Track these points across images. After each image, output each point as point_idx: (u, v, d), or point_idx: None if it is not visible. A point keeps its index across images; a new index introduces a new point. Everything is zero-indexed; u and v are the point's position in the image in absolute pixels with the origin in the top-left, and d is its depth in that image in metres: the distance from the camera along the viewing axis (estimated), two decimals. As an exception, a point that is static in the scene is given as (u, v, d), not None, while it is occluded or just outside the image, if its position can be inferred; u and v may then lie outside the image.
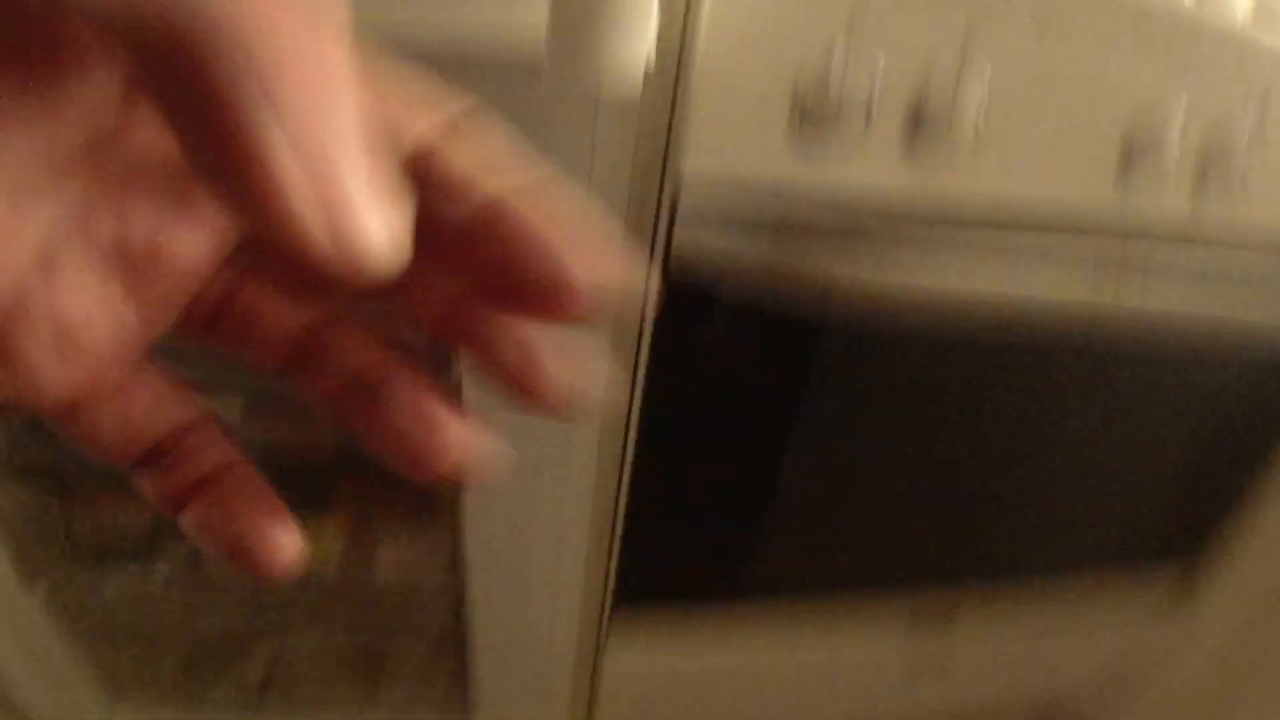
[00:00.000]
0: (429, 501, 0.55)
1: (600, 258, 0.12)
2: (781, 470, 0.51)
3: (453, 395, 0.14)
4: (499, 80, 0.30)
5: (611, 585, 0.56)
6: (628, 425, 0.47)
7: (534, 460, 0.48)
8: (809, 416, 0.48)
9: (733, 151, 0.37)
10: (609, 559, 0.54)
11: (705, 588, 0.58)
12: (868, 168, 0.38)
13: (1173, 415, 0.56)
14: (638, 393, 0.46)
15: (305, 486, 0.55)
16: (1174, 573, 0.69)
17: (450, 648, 0.62)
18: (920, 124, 0.38)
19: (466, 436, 0.14)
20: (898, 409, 0.50)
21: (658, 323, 0.43)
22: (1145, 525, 0.65)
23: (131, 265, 0.12)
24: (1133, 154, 0.40)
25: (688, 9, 0.34)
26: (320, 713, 0.67)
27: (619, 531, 0.53)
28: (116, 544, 0.53)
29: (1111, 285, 0.44)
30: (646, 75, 0.32)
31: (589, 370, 0.14)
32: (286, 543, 0.14)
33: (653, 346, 0.44)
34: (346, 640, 0.63)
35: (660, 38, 0.32)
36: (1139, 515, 0.64)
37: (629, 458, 0.49)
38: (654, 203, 0.39)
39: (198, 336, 0.15)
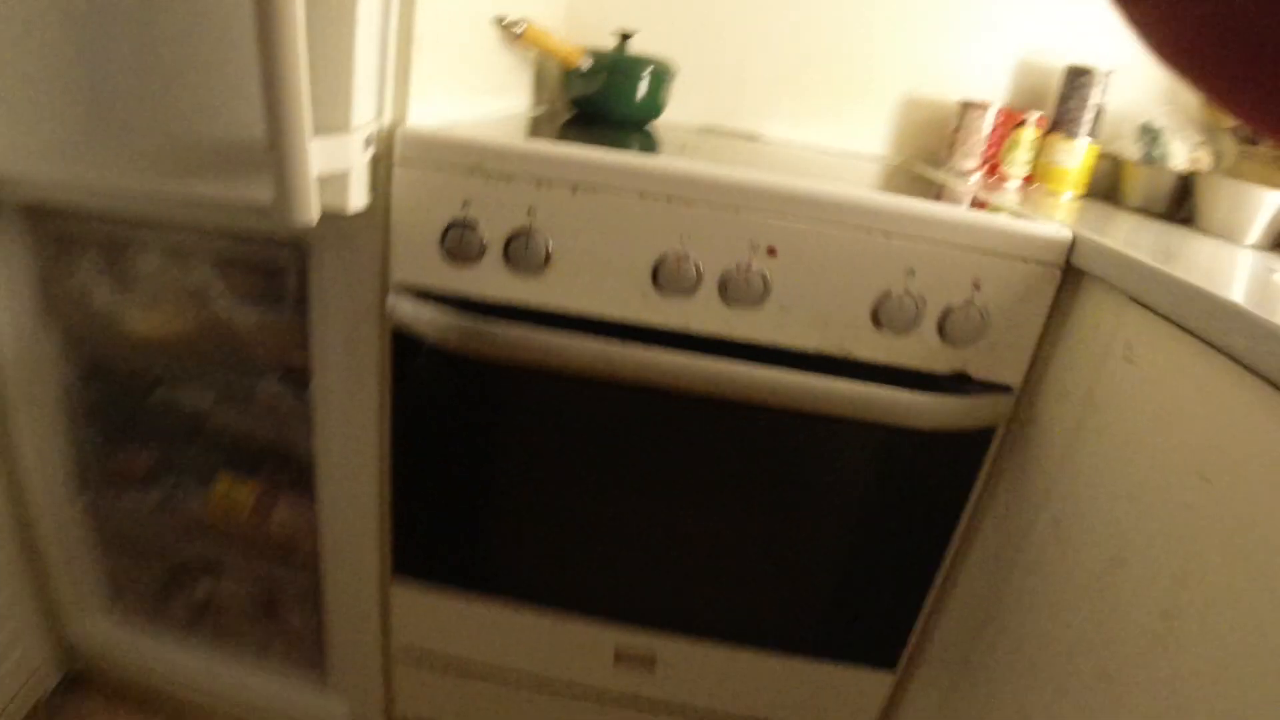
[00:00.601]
0: (310, 485, 0.86)
1: None
2: (487, 485, 0.75)
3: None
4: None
5: (388, 558, 0.81)
6: (385, 443, 0.76)
7: (343, 459, 0.77)
8: (491, 441, 0.73)
9: (416, 269, 0.68)
10: (384, 537, 0.80)
11: (458, 573, 0.81)
12: (487, 282, 0.67)
13: (837, 487, 0.72)
14: (387, 414, 0.74)
15: (244, 457, 0.89)
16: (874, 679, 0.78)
17: (312, 600, 0.90)
18: (513, 257, 0.66)
19: None
20: (559, 448, 0.73)
21: (393, 364, 0.72)
22: (836, 616, 0.77)
23: None
24: (661, 274, 0.64)
25: (388, 180, 0.66)
26: (230, 641, 0.96)
27: (389, 515, 0.79)
28: (130, 475, 0.90)
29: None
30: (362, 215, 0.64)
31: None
32: None
33: (393, 380, 0.73)
34: (254, 583, 0.93)
35: (374, 190, 0.65)
36: (826, 604, 0.77)
37: (389, 464, 0.77)
38: (380, 287, 0.70)
39: None
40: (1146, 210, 0.97)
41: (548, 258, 0.65)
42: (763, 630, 0.79)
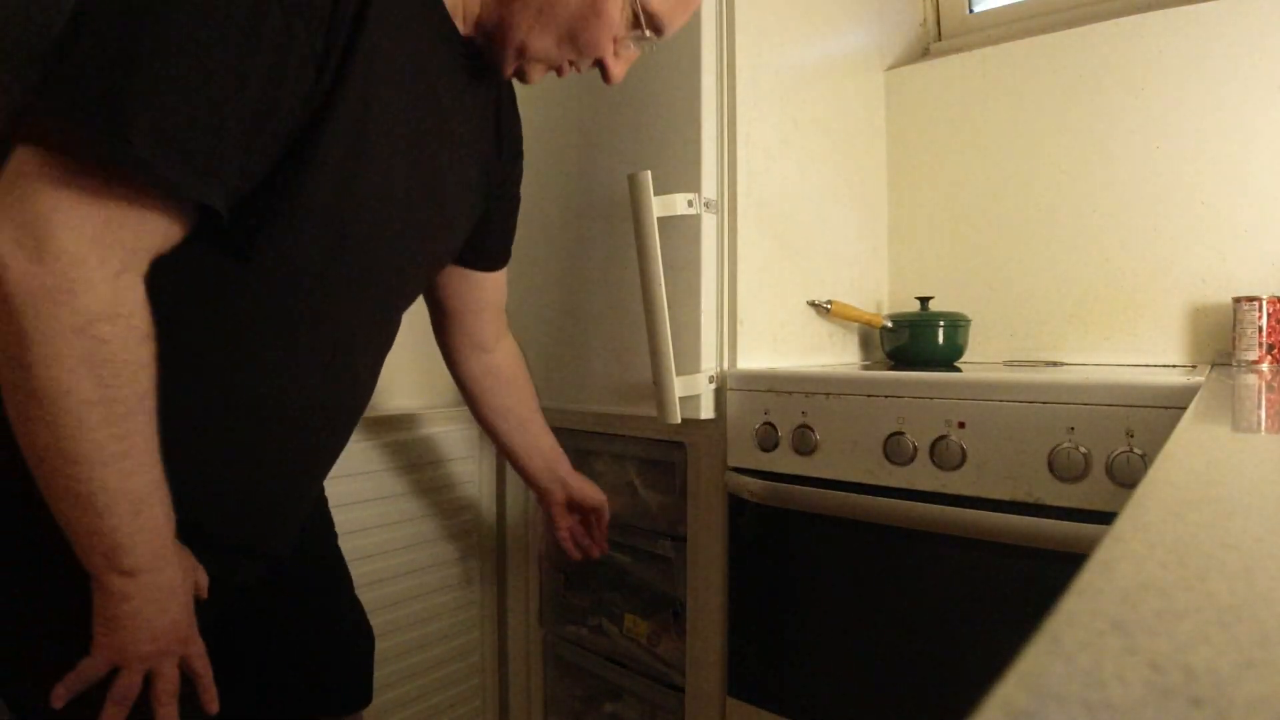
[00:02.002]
0: (684, 623, 1.23)
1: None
2: (785, 616, 1.03)
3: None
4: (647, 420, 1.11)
5: (724, 681, 1.11)
6: (725, 584, 1.11)
7: (702, 599, 1.14)
8: (790, 578, 1.03)
9: (741, 455, 1.07)
10: (723, 664, 1.11)
11: (771, 695, 1.06)
12: (781, 461, 1.02)
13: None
14: (726, 562, 1.10)
15: (644, 602, 1.31)
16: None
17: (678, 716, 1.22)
18: (796, 444, 1.01)
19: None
20: (838, 582, 0.99)
21: (729, 521, 1.09)
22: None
23: None
24: (888, 448, 0.92)
25: (724, 400, 1.09)
26: None
27: (726, 645, 1.10)
28: (575, 611, 1.38)
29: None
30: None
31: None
32: None
33: (728, 534, 1.09)
34: (641, 704, 1.29)
35: (717, 408, 1.08)
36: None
37: (726, 600, 1.10)
38: (721, 469, 1.10)
39: None
40: None
41: (817, 443, 0.99)
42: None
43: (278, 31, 0.52)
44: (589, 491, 1.11)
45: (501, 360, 1.01)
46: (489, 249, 0.93)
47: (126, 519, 0.52)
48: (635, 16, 0.69)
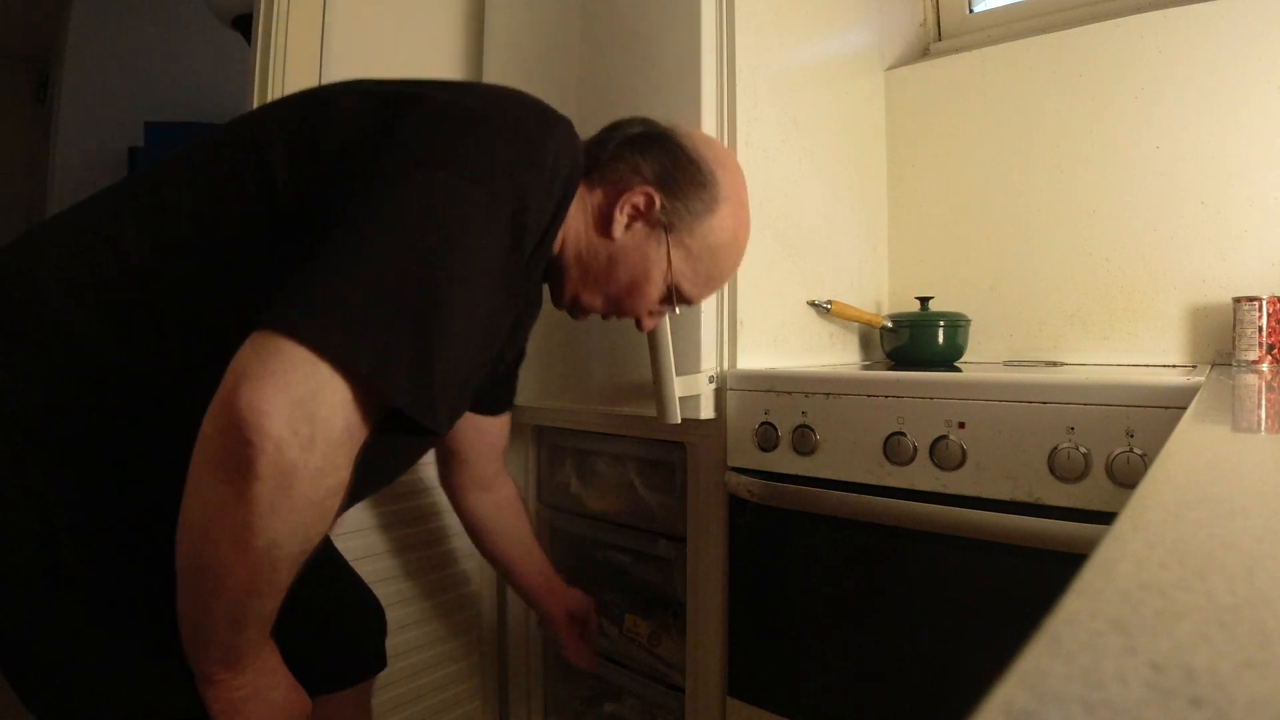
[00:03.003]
0: (684, 624, 1.22)
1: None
2: (786, 614, 1.03)
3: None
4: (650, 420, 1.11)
5: (725, 682, 1.11)
6: (724, 584, 1.11)
7: (702, 599, 1.14)
8: (790, 578, 1.02)
9: (741, 455, 1.07)
10: (723, 663, 1.11)
11: (766, 694, 1.06)
12: (781, 462, 1.02)
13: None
14: (725, 561, 1.10)
15: (643, 602, 1.30)
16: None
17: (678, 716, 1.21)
18: (796, 444, 1.01)
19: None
20: (834, 581, 0.98)
21: (728, 520, 1.09)
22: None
23: None
24: (888, 448, 0.92)
25: (724, 400, 1.09)
26: None
27: (725, 645, 1.10)
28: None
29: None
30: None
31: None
32: None
33: (728, 533, 1.09)
34: (641, 705, 1.29)
35: (717, 407, 1.08)
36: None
37: (725, 600, 1.10)
38: (721, 469, 1.10)
39: None
40: None
41: (817, 443, 0.99)
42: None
43: (518, 281, 0.66)
44: (580, 600, 1.22)
45: (502, 497, 1.12)
46: (498, 396, 1.03)
47: (256, 631, 0.57)
48: (669, 296, 0.83)
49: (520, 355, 1.02)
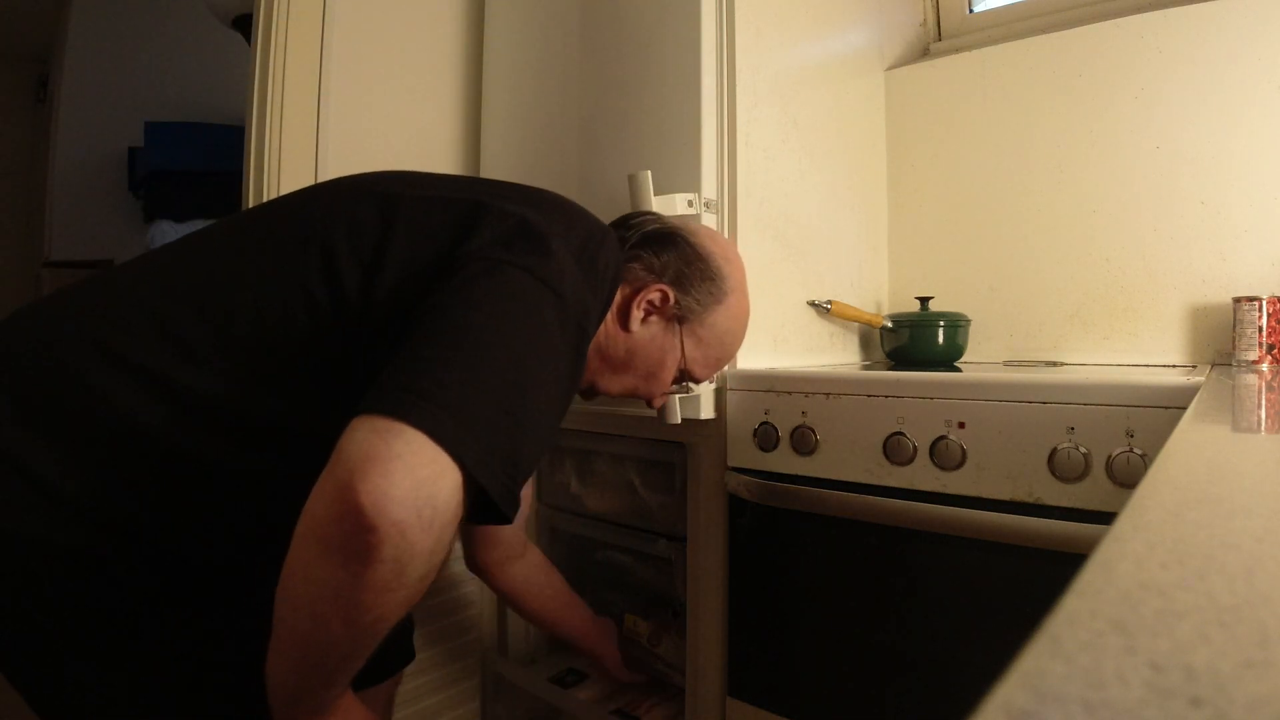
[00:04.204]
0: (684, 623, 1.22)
1: None
2: (786, 614, 1.03)
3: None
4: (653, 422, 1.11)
5: (725, 682, 1.10)
6: (725, 584, 1.10)
7: (703, 598, 1.14)
8: (790, 577, 1.02)
9: (741, 455, 1.07)
10: (723, 663, 1.11)
11: (765, 694, 1.06)
12: (781, 462, 1.02)
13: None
14: (726, 561, 1.10)
15: (643, 602, 1.30)
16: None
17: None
18: (795, 444, 1.01)
19: None
20: (836, 582, 0.98)
21: (729, 520, 1.09)
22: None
23: None
24: (888, 448, 0.92)
25: (725, 400, 1.09)
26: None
27: (725, 645, 1.10)
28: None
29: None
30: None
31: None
32: None
33: (728, 533, 1.09)
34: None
35: (717, 407, 1.08)
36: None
37: (726, 599, 1.10)
38: (721, 469, 1.09)
39: None
40: None
41: (816, 443, 0.99)
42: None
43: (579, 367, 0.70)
44: (614, 628, 1.26)
45: (534, 562, 1.16)
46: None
47: (345, 685, 0.61)
48: (681, 378, 0.91)
49: None
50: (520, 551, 1.14)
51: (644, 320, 0.85)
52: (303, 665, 0.56)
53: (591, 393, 0.90)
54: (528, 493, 1.12)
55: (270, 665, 0.57)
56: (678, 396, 1.01)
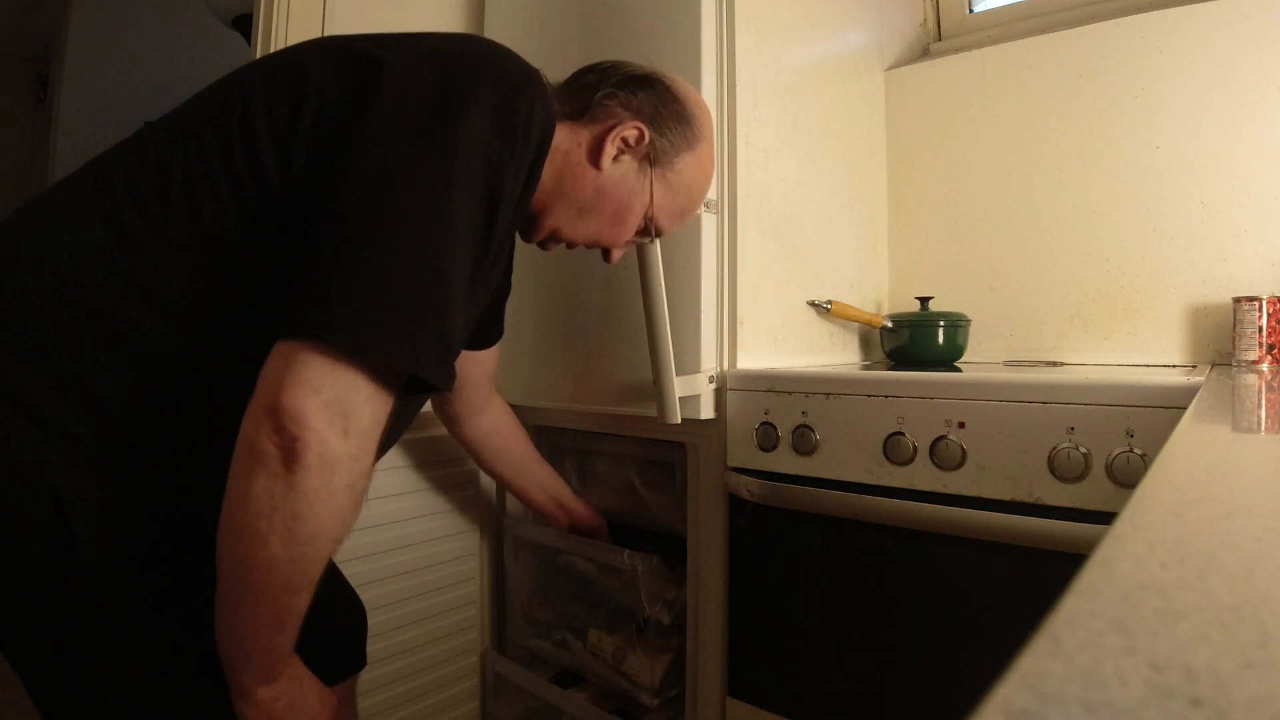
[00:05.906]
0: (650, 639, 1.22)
1: None
2: (785, 614, 1.03)
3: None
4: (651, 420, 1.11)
5: (725, 682, 1.10)
6: (725, 587, 1.10)
7: (704, 599, 1.14)
8: (789, 578, 1.02)
9: (741, 455, 1.07)
10: (724, 664, 1.11)
11: (765, 694, 1.06)
12: (781, 461, 1.02)
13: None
14: (726, 562, 1.10)
15: (607, 617, 1.30)
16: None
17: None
18: (796, 444, 1.01)
19: None
20: (835, 582, 0.98)
21: (728, 519, 1.09)
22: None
23: None
24: (888, 448, 0.92)
25: (724, 400, 1.09)
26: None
27: (726, 644, 1.10)
28: (537, 622, 1.37)
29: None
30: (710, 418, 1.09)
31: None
32: None
33: (728, 532, 1.09)
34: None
35: (717, 407, 1.08)
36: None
37: (726, 600, 1.10)
38: (721, 469, 1.09)
39: None
40: None
41: (816, 443, 0.99)
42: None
43: (506, 232, 0.71)
44: (586, 516, 1.27)
45: (496, 418, 1.18)
46: (488, 331, 1.05)
47: (292, 632, 0.60)
48: (646, 228, 0.87)
49: (506, 290, 1.02)
50: (481, 408, 1.15)
51: (616, 158, 0.82)
52: (246, 601, 0.56)
53: (552, 242, 0.87)
54: (489, 359, 1.11)
55: (218, 613, 0.58)
56: (677, 396, 1.01)
